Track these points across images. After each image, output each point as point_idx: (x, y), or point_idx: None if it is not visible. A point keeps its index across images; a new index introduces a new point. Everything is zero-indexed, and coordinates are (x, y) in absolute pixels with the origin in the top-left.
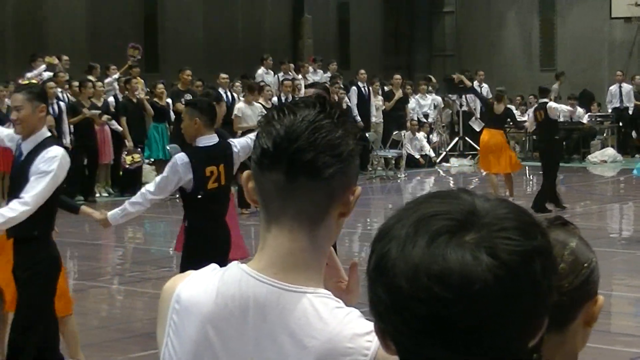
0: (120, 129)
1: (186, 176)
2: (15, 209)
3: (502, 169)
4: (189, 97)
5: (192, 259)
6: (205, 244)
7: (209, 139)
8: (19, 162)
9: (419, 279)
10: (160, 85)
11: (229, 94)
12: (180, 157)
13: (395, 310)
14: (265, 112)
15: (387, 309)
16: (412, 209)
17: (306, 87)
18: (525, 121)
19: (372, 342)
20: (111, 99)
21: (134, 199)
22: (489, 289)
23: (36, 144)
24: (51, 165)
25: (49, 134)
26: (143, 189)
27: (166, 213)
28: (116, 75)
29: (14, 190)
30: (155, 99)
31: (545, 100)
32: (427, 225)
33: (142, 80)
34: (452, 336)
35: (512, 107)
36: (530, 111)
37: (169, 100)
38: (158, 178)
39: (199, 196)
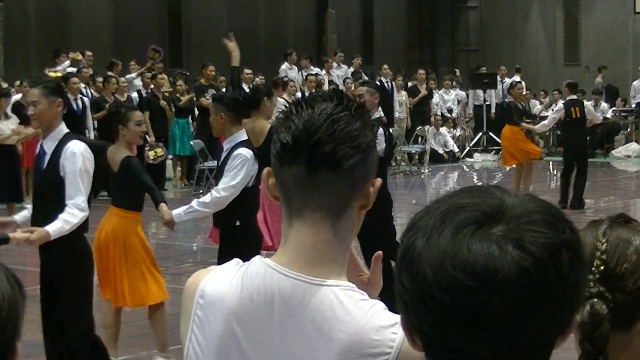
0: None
1: (253, 171)
2: (76, 215)
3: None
4: (212, 92)
5: (247, 255)
6: (257, 239)
7: (243, 134)
8: (43, 161)
9: (444, 267)
10: (180, 82)
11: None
12: (248, 152)
13: (419, 299)
14: (284, 107)
15: (412, 298)
16: (441, 202)
17: (360, 84)
18: (544, 117)
19: (398, 334)
20: (134, 95)
21: (203, 199)
22: (514, 280)
23: (57, 141)
24: (75, 163)
25: (67, 130)
26: (214, 191)
27: None
28: (134, 75)
29: (42, 190)
30: (178, 95)
31: (575, 97)
32: (455, 216)
33: (166, 76)
34: (476, 325)
35: (536, 102)
36: (556, 106)
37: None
38: (228, 178)
39: (254, 190)
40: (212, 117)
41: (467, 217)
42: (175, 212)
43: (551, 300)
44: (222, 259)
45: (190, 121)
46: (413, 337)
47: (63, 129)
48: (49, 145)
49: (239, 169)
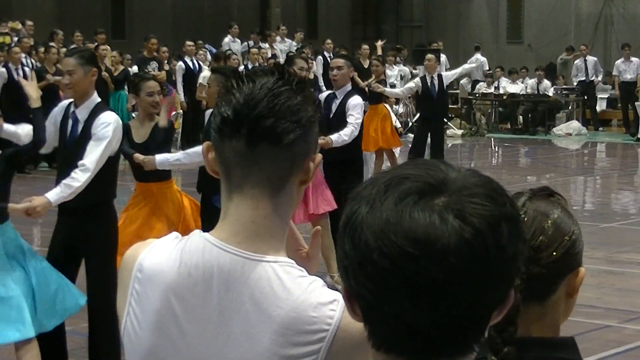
0: None
1: None
2: (78, 178)
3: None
4: (154, 64)
5: None
6: None
7: None
8: (76, 130)
9: (385, 233)
10: (114, 53)
11: (195, 62)
12: None
13: (360, 264)
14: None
15: (352, 263)
16: (385, 173)
17: (336, 56)
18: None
19: (336, 310)
20: None
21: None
22: (454, 249)
23: (90, 110)
24: (106, 131)
25: (99, 99)
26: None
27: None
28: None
29: (74, 158)
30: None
31: None
32: (398, 185)
33: (109, 47)
34: (415, 292)
35: (478, 78)
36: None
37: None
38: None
39: None
40: (213, 89)
41: (410, 186)
42: (159, 157)
43: (489, 271)
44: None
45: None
46: (353, 306)
47: (96, 98)
48: (82, 114)
49: None
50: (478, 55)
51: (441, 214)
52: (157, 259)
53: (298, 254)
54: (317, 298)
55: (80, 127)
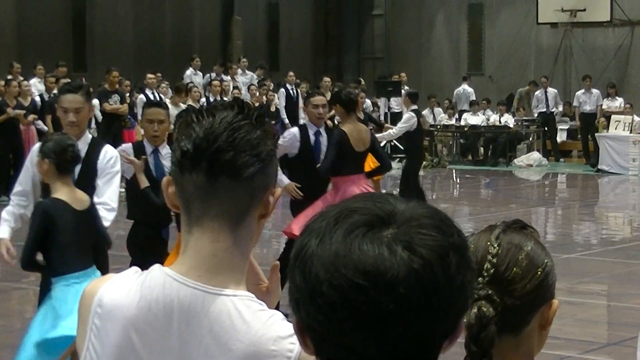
0: (46, 128)
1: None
2: (107, 217)
3: None
4: (116, 97)
5: None
6: None
7: None
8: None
9: (335, 266)
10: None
11: (156, 94)
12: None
13: (311, 297)
14: (184, 115)
15: (303, 296)
16: (335, 206)
17: (319, 94)
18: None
19: (296, 344)
20: (37, 98)
21: None
22: (403, 279)
23: (87, 144)
24: (115, 165)
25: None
26: None
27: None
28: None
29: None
30: None
31: (416, 107)
32: (347, 218)
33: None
34: (364, 323)
35: (440, 110)
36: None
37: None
38: None
39: None
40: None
41: (358, 219)
42: None
43: (438, 301)
44: None
45: (93, 126)
46: (304, 339)
47: (88, 132)
48: (81, 149)
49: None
50: (465, 86)
51: (390, 245)
52: (117, 293)
53: (258, 288)
54: (276, 332)
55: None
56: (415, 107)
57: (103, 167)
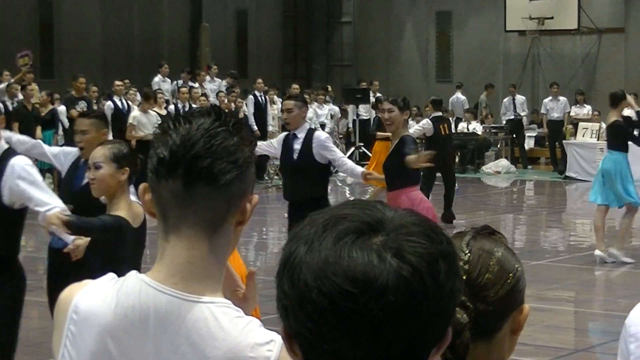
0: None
1: None
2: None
3: None
4: (83, 104)
5: None
6: None
7: None
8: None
9: (324, 273)
10: (43, 94)
11: (124, 101)
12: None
13: (300, 304)
14: (160, 122)
15: (292, 303)
16: (323, 213)
17: (286, 98)
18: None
19: (273, 351)
20: (0, 105)
21: None
22: (392, 286)
23: None
24: (32, 175)
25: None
26: None
27: None
28: (2, 85)
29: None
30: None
31: (440, 114)
32: (336, 225)
33: (37, 87)
34: (354, 330)
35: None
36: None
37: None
38: None
39: None
40: (91, 135)
41: (348, 226)
42: None
43: (427, 308)
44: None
45: (61, 133)
46: (292, 347)
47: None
48: None
49: None
50: (459, 94)
51: (379, 252)
52: (93, 300)
53: (235, 294)
54: (254, 339)
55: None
56: (438, 114)
57: (13, 182)
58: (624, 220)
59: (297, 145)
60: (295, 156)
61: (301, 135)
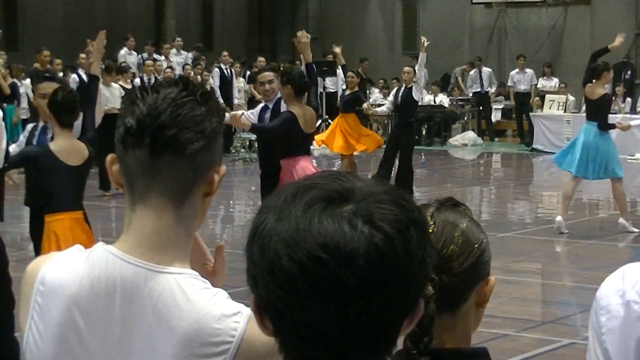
0: None
1: None
2: None
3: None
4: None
5: None
6: None
7: None
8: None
9: (294, 240)
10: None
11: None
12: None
13: (270, 272)
14: (127, 94)
15: (262, 271)
16: (291, 184)
17: (261, 70)
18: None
19: (240, 323)
20: None
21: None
22: (364, 253)
23: None
24: None
25: None
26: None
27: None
28: None
29: None
30: None
31: None
32: (305, 193)
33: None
34: (325, 297)
35: (375, 90)
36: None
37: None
38: None
39: None
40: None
41: (317, 194)
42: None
43: (399, 275)
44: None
45: (25, 106)
46: (263, 319)
47: None
48: None
49: None
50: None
51: (350, 220)
52: (60, 271)
53: (204, 267)
54: (220, 310)
55: None
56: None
57: None
58: (616, 193)
59: (267, 114)
60: None
61: (271, 105)
